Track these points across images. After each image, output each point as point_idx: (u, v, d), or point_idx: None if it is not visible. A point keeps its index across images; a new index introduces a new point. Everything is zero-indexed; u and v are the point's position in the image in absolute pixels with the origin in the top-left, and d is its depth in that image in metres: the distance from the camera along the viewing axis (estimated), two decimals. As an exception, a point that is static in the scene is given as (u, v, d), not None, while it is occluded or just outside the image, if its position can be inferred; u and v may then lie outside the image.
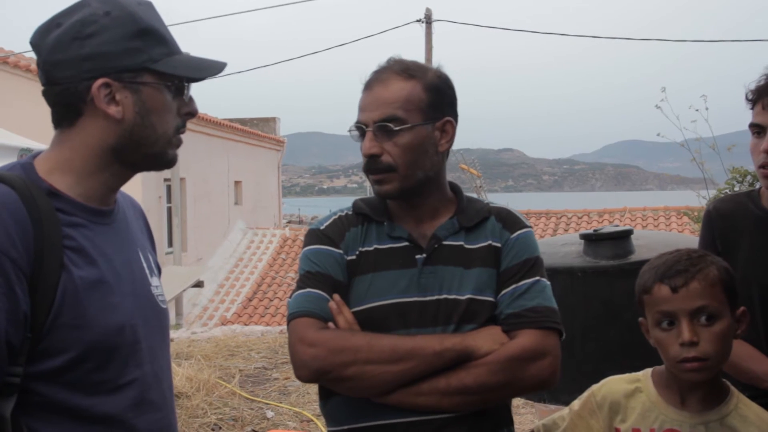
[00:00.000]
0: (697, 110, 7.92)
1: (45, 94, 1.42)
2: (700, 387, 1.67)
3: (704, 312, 1.62)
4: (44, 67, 1.40)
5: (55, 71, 1.39)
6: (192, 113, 1.51)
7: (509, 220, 1.84)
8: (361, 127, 1.78)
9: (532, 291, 1.75)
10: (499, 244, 1.80)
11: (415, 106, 1.75)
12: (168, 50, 1.45)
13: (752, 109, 2.12)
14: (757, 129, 2.10)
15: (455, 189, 1.91)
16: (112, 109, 1.39)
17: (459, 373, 1.66)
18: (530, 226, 1.87)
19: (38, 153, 1.46)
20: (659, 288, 1.66)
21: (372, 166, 1.77)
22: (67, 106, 1.40)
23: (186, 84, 1.48)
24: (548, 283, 1.80)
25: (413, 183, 1.77)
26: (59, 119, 1.43)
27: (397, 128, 1.73)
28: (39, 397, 1.30)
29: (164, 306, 1.58)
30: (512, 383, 1.68)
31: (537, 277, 1.77)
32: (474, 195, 2.02)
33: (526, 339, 1.70)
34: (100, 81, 1.38)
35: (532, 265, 1.79)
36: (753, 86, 2.10)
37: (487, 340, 1.69)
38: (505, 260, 1.78)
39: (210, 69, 1.50)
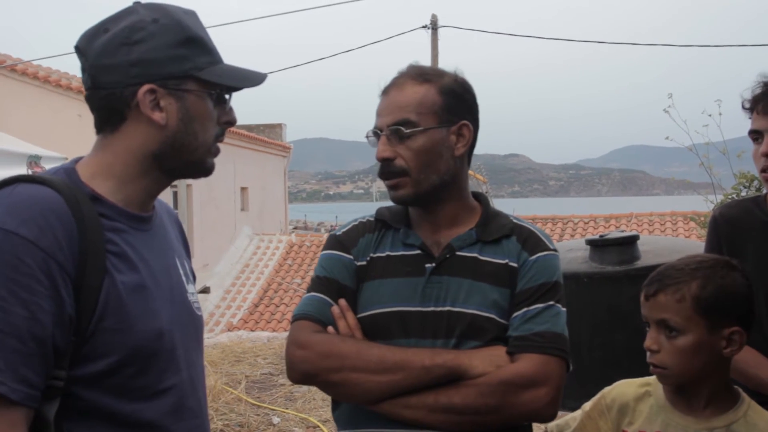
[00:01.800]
0: (709, 115, 7.90)
1: (89, 98, 1.43)
2: (703, 393, 1.68)
3: (666, 325, 1.65)
4: (90, 72, 1.40)
5: (102, 76, 1.39)
6: (231, 122, 1.52)
7: (530, 242, 1.77)
8: (377, 132, 1.76)
9: (543, 316, 1.68)
10: (516, 265, 1.73)
11: (429, 110, 1.73)
12: (212, 59, 1.46)
13: (750, 117, 2.13)
14: (755, 135, 2.12)
15: (481, 199, 1.87)
16: (157, 115, 1.40)
17: (448, 391, 1.61)
18: (555, 249, 1.80)
19: (79, 158, 1.47)
20: (641, 293, 1.72)
21: (385, 170, 1.75)
22: (111, 110, 1.41)
23: (228, 93, 1.49)
24: (563, 309, 1.72)
25: (427, 187, 1.74)
26: (102, 124, 1.43)
27: (408, 131, 1.71)
28: (81, 401, 1.30)
29: (199, 313, 1.58)
30: (501, 409, 1.60)
31: (551, 302, 1.70)
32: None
33: (523, 364, 1.62)
34: (146, 87, 1.38)
35: (548, 289, 1.71)
36: (749, 95, 2.12)
37: (483, 360, 1.63)
38: (520, 282, 1.72)
39: (252, 79, 1.51)
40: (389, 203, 1.86)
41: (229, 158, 19.85)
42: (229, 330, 13.79)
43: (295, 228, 32.18)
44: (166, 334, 1.41)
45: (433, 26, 17.83)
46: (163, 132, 1.41)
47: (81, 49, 1.42)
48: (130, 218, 1.42)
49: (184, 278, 1.54)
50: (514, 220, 1.83)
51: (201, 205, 18.37)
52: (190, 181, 17.46)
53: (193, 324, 1.53)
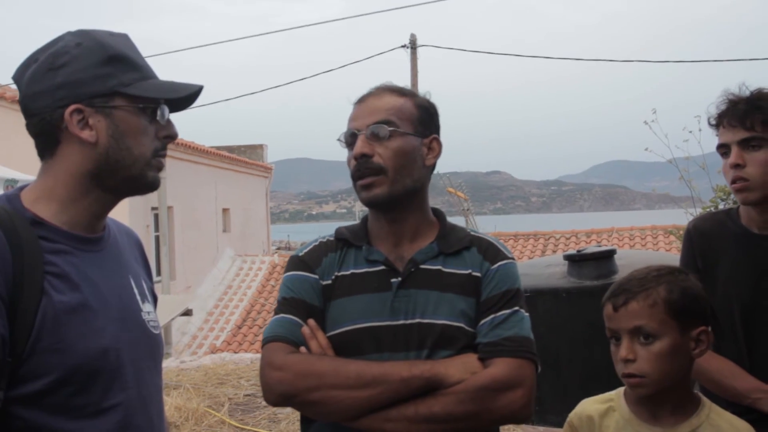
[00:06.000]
0: (690, 131, 7.99)
1: (27, 127, 1.47)
2: (668, 401, 1.71)
3: (641, 332, 1.67)
4: (23, 101, 1.46)
5: (32, 103, 1.44)
6: (171, 136, 1.54)
7: (491, 251, 1.83)
8: (353, 133, 1.80)
9: (510, 321, 1.74)
10: (479, 274, 1.79)
11: (407, 117, 1.81)
12: (140, 75, 1.49)
13: (717, 132, 2.18)
14: (724, 149, 2.16)
15: (438, 214, 1.92)
16: (85, 134, 1.43)
17: (428, 401, 1.63)
18: (512, 258, 1.86)
19: (26, 185, 1.50)
20: (606, 306, 1.74)
21: (363, 167, 1.77)
22: (46, 135, 1.45)
23: (161, 107, 1.51)
24: (527, 315, 1.79)
25: (401, 190, 1.78)
26: (41, 150, 1.48)
27: (391, 129, 1.78)
28: (20, 420, 1.31)
29: (156, 332, 1.59)
30: (481, 414, 1.64)
31: (516, 308, 1.76)
32: (462, 218, 2.03)
33: (498, 369, 1.67)
34: (71, 107, 1.42)
35: (512, 296, 1.77)
36: (714, 111, 2.17)
37: (458, 368, 1.67)
38: (485, 290, 1.77)
39: (180, 90, 1.53)
40: None
41: (210, 180, 19.80)
42: (212, 352, 13.69)
43: (278, 248, 32.04)
44: (111, 353, 1.42)
45: (412, 45, 17.97)
46: (96, 150, 1.45)
47: (16, 81, 1.48)
48: (74, 240, 1.44)
49: (138, 297, 1.56)
50: (472, 232, 1.90)
51: (182, 227, 18.27)
52: (171, 203, 17.42)
53: (147, 342, 1.54)
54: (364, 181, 1.78)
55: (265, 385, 1.72)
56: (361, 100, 1.85)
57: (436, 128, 1.88)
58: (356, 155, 1.77)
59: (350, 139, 1.82)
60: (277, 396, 1.70)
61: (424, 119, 1.84)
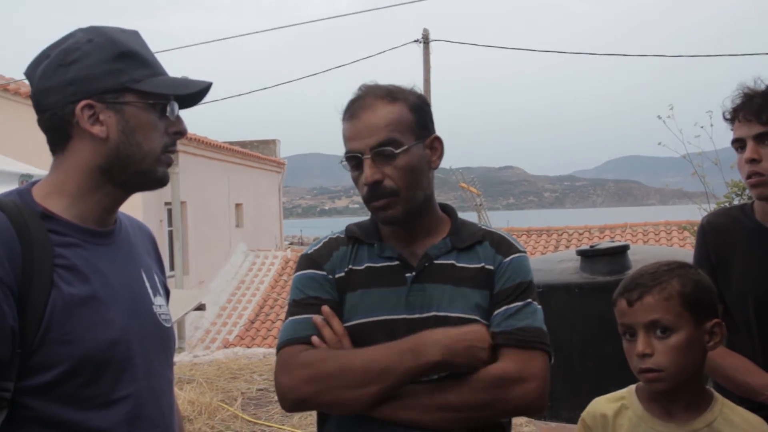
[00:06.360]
0: (701, 127, 7.94)
1: (38, 122, 1.49)
2: (682, 396, 1.70)
3: (658, 325, 1.67)
4: (35, 96, 1.47)
5: (44, 98, 1.46)
6: (180, 132, 1.56)
7: (503, 245, 1.84)
8: (356, 156, 1.77)
9: (523, 312, 1.75)
10: (492, 267, 1.80)
11: (407, 127, 1.77)
12: (150, 72, 1.51)
13: (732, 127, 2.17)
14: (739, 144, 2.15)
15: (448, 210, 1.92)
16: (96, 129, 1.45)
17: (443, 390, 1.66)
18: (524, 251, 1.87)
19: (38, 180, 1.52)
20: (620, 301, 1.73)
21: (376, 192, 1.75)
22: (57, 130, 1.47)
23: (170, 103, 1.52)
24: (539, 307, 1.79)
25: (414, 205, 1.77)
26: (53, 145, 1.50)
27: (398, 151, 1.74)
28: (30, 411, 1.33)
29: (167, 325, 1.61)
30: (495, 404, 1.67)
31: (529, 300, 1.77)
32: (474, 214, 2.03)
33: (512, 359, 1.69)
34: (82, 102, 1.44)
35: (525, 288, 1.78)
36: (729, 105, 2.15)
37: (465, 340, 1.66)
38: (498, 283, 1.78)
39: (190, 86, 1.55)
40: None
41: (223, 175, 19.86)
42: (225, 347, 13.75)
43: (291, 243, 32.10)
44: (121, 344, 1.43)
45: (425, 40, 17.92)
46: (106, 145, 1.47)
47: (28, 77, 1.49)
48: (84, 233, 1.46)
49: (150, 290, 1.58)
50: (483, 227, 1.91)
51: (195, 222, 18.35)
52: (184, 198, 17.48)
53: (158, 335, 1.56)
54: (378, 203, 1.77)
55: (279, 394, 1.74)
56: (354, 115, 1.78)
57: (432, 123, 1.86)
58: (367, 183, 1.75)
59: (353, 162, 1.79)
60: (290, 403, 1.72)
61: (421, 121, 1.81)
